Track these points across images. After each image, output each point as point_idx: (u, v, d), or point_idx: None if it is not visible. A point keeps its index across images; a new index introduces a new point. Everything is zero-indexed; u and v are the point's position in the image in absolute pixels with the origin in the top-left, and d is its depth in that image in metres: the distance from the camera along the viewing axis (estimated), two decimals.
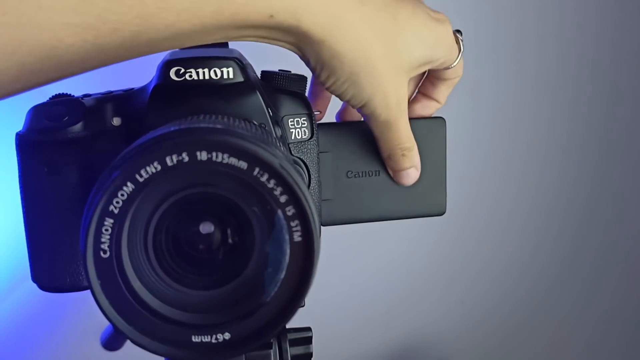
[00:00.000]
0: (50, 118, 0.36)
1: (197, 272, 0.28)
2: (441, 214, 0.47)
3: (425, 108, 0.44)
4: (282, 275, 0.27)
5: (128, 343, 0.58)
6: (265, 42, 0.33)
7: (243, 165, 0.26)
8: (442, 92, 0.44)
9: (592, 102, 1.04)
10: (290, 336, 0.43)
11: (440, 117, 0.46)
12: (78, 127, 0.36)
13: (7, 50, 0.24)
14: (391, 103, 0.37)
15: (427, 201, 0.46)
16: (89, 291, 0.34)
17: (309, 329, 0.44)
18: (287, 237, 0.26)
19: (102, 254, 0.25)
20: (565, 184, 1.07)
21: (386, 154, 0.41)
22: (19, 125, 0.37)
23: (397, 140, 0.40)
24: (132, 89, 0.39)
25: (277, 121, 0.39)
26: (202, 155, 0.25)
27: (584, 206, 1.09)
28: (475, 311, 1.08)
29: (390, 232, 0.99)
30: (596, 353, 1.13)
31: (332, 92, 0.37)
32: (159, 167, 0.25)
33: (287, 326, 0.43)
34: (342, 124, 0.44)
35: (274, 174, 0.26)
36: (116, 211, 0.25)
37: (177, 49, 0.38)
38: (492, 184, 1.03)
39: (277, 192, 0.26)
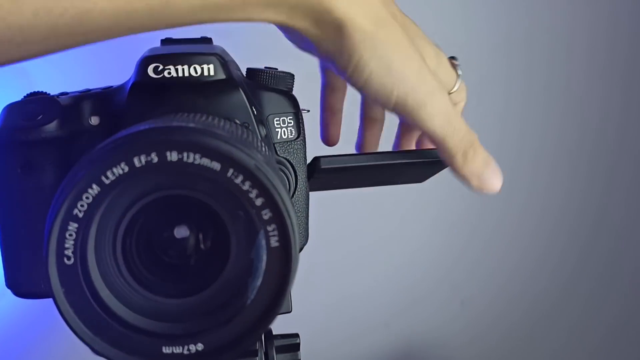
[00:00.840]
0: (24, 117, 0.35)
1: (169, 279, 0.27)
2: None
3: None
4: (259, 282, 0.25)
5: None
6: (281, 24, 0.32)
7: (216, 166, 0.24)
8: None
9: (603, 106, 1.03)
10: (277, 343, 0.42)
11: None
12: (53, 126, 0.35)
13: (41, 11, 0.25)
14: (425, 75, 0.33)
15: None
16: None
17: (296, 336, 0.43)
18: (263, 242, 0.25)
19: (65, 260, 0.24)
20: (573, 187, 1.05)
21: (447, 153, 0.36)
22: None
23: (447, 126, 0.34)
24: (111, 86, 0.38)
25: (262, 120, 0.38)
26: (173, 156, 0.24)
27: (592, 210, 1.08)
28: (479, 316, 1.07)
29: (393, 235, 0.98)
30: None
31: (354, 82, 0.34)
32: (126, 169, 0.24)
33: (274, 332, 0.42)
34: None
35: (249, 175, 0.24)
36: (81, 215, 0.24)
37: (157, 46, 0.37)
38: (504, 189, 1.02)
39: (253, 194, 0.25)
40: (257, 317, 0.26)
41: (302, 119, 0.39)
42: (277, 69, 0.40)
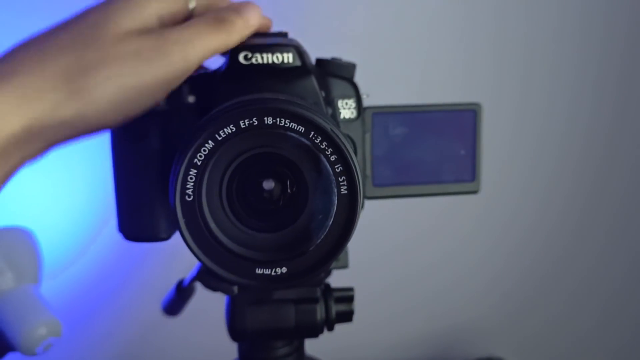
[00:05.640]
0: None
1: (260, 218, 0.34)
2: (475, 192, 0.52)
3: None
4: (330, 222, 0.32)
5: (186, 312, 0.64)
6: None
7: (301, 129, 0.31)
8: None
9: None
10: (335, 294, 0.49)
11: (476, 104, 0.50)
12: (161, 102, 0.42)
13: None
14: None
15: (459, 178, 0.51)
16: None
17: (351, 289, 0.50)
18: (335, 190, 0.32)
19: (187, 197, 0.32)
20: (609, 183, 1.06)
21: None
22: None
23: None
24: (205, 71, 0.45)
25: (329, 102, 0.45)
26: (269, 120, 0.31)
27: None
28: (521, 306, 1.09)
29: (438, 226, 1.01)
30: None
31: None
32: (233, 129, 0.31)
33: (332, 286, 0.49)
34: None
35: (326, 137, 0.31)
36: (199, 163, 0.31)
37: None
38: (544, 180, 1.03)
39: (329, 152, 0.32)
40: (328, 250, 0.33)
41: (362, 102, 0.46)
42: (341, 59, 0.47)
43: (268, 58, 0.41)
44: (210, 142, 0.31)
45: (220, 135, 0.31)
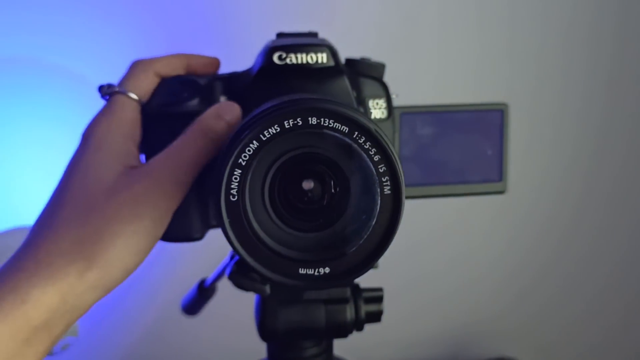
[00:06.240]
0: (172, 93, 0.42)
1: (302, 219, 0.34)
2: (501, 192, 0.52)
3: None
4: (374, 222, 0.32)
5: (206, 311, 0.64)
6: None
7: (345, 129, 0.31)
8: None
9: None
10: (365, 295, 0.49)
11: (503, 103, 0.50)
12: (194, 102, 0.42)
13: None
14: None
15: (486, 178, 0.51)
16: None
17: (380, 289, 0.49)
18: (378, 190, 0.32)
19: (231, 197, 0.31)
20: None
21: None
22: None
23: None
24: (235, 72, 0.45)
25: (360, 102, 0.45)
26: (313, 120, 0.31)
27: None
28: (538, 306, 1.08)
29: (453, 226, 1.01)
30: None
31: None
32: (278, 129, 0.31)
33: (362, 286, 0.49)
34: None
35: (370, 136, 0.31)
36: (244, 163, 0.31)
37: (274, 39, 0.44)
38: (561, 179, 1.02)
39: (372, 152, 0.31)
40: (371, 250, 0.33)
41: (392, 103, 0.46)
42: (370, 59, 0.47)
43: (302, 58, 0.41)
44: (255, 142, 0.31)
45: (264, 136, 0.31)
